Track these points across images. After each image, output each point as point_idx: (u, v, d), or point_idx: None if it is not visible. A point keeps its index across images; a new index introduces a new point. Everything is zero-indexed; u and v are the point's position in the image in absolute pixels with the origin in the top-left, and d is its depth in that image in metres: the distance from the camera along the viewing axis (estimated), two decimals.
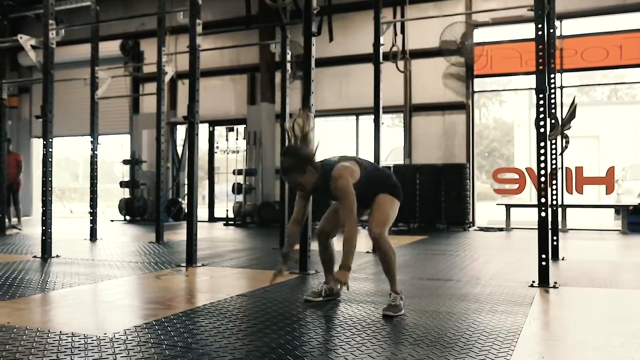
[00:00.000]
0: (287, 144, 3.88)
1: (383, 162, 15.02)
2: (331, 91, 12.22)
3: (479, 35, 11.31)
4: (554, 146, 6.58)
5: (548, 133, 5.56)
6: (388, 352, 2.87)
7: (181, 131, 14.16)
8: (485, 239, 9.22)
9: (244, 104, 13.00)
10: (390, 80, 9.16)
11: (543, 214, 4.86)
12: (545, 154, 4.85)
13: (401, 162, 11.94)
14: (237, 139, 12.43)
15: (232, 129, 12.56)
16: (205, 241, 8.54)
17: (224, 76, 13.19)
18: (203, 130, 13.32)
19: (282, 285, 4.88)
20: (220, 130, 13.37)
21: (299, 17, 7.75)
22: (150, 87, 13.51)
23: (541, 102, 4.88)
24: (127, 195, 13.55)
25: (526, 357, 2.86)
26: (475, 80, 11.67)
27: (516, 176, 10.93)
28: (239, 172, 12.22)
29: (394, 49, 7.91)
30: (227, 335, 3.18)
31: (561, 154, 9.30)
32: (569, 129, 7.92)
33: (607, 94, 32.81)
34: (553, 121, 6.55)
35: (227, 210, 12.35)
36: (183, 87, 13.52)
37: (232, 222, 12.15)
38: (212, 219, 13.23)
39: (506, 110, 34.15)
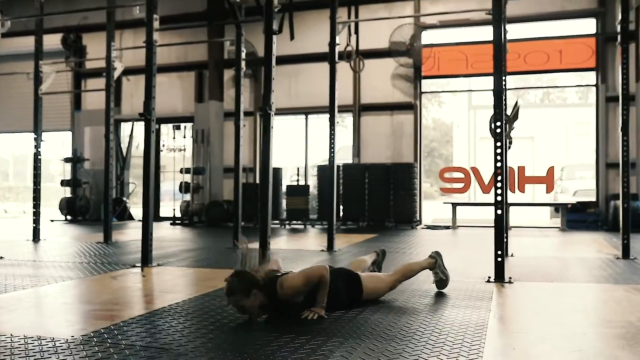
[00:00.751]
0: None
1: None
2: (280, 90, 12.12)
3: (428, 37, 11.55)
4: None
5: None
6: (365, 348, 2.90)
7: (125, 129, 13.81)
8: (434, 236, 9.43)
9: (192, 102, 12.81)
10: (339, 80, 9.19)
11: (499, 212, 5.02)
12: (502, 154, 5.02)
13: (348, 161, 12.05)
14: (184, 137, 12.23)
15: (178, 127, 12.35)
16: (155, 241, 8.34)
17: (171, 73, 12.94)
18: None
19: None
20: (166, 128, 13.11)
21: (254, 14, 7.73)
22: (94, 82, 13.16)
23: (498, 103, 5.03)
24: (68, 195, 13.11)
25: (497, 350, 2.95)
26: (422, 81, 11.89)
27: (462, 175, 11.21)
28: (187, 170, 12.03)
29: (349, 48, 7.98)
30: (200, 335, 3.14)
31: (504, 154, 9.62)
32: (512, 129, 8.20)
33: (540, 96, 34.14)
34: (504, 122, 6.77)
35: (174, 210, 12.14)
36: (128, 84, 13.20)
37: (180, 222, 11.95)
38: (157, 218, 12.94)
39: (445, 111, 34.99)
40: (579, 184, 14.43)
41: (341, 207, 11.06)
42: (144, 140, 5.99)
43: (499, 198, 5.01)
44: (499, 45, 5.07)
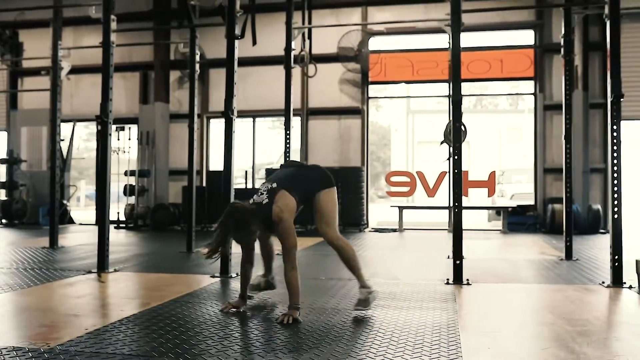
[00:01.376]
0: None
1: (276, 165, 15.04)
2: None
3: (375, 43, 11.77)
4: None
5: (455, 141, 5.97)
6: (348, 351, 2.98)
7: (65, 129, 13.35)
8: (382, 239, 9.61)
9: (136, 103, 12.55)
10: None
11: (457, 216, 5.20)
12: (460, 161, 5.20)
13: None
14: (129, 139, 11.96)
15: (123, 128, 12.06)
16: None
17: (114, 73, 12.56)
18: (91, 128, 12.69)
19: (208, 289, 4.84)
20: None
21: (204, 16, 7.68)
22: (31, 81, 12.72)
23: (456, 112, 5.22)
24: (3, 197, 12.56)
25: (474, 350, 3.08)
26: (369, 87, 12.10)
27: (407, 179, 11.49)
28: (132, 173, 11.78)
29: (302, 53, 8.04)
30: (181, 341, 3.13)
31: (448, 159, 9.94)
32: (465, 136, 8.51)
33: (474, 102, 35.30)
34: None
35: (118, 213, 11.85)
36: (67, 83, 12.77)
37: (124, 225, 11.68)
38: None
39: (383, 114, 35.60)
40: (515, 188, 15.04)
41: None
42: (101, 143, 5.86)
43: (457, 203, 5.20)
44: (457, 55, 5.25)
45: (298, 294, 3.73)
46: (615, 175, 4.96)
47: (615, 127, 4.97)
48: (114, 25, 5.88)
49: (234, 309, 3.90)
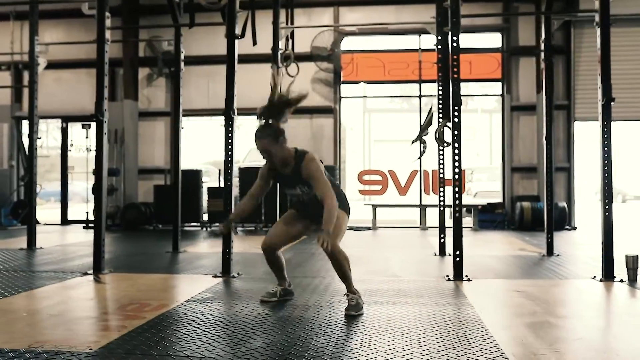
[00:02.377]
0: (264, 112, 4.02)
1: (242, 164, 14.95)
2: (198, 91, 11.99)
3: (347, 43, 11.88)
4: (442, 153, 7.19)
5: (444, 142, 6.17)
6: (391, 347, 3.06)
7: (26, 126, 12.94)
8: (360, 237, 9.73)
9: None
10: (256, 82, 9.19)
11: (457, 214, 5.36)
12: (460, 162, 5.37)
13: (256, 163, 12.07)
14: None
15: (89, 126, 11.77)
16: (81, 245, 8.00)
17: (80, 69, 12.29)
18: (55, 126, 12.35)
19: (217, 288, 4.84)
20: (74, 127, 12.48)
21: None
22: None
23: (457, 113, 5.37)
24: None
25: (511, 343, 3.18)
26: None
27: (380, 178, 11.66)
28: None
29: (287, 52, 8.05)
30: (211, 340, 3.15)
31: (419, 157, 10.12)
32: (426, 134, 8.69)
33: (425, 101, 35.98)
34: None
35: (87, 213, 11.55)
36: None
37: (93, 225, 11.39)
38: (65, 221, 12.29)
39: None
40: (478, 186, 15.46)
41: (263, 209, 11.09)
42: (96, 142, 5.75)
43: (457, 202, 5.36)
44: (456, 56, 5.40)
45: (333, 222, 3.87)
46: (606, 175, 5.21)
47: (605, 129, 5.22)
48: (108, 22, 5.76)
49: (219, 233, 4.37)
